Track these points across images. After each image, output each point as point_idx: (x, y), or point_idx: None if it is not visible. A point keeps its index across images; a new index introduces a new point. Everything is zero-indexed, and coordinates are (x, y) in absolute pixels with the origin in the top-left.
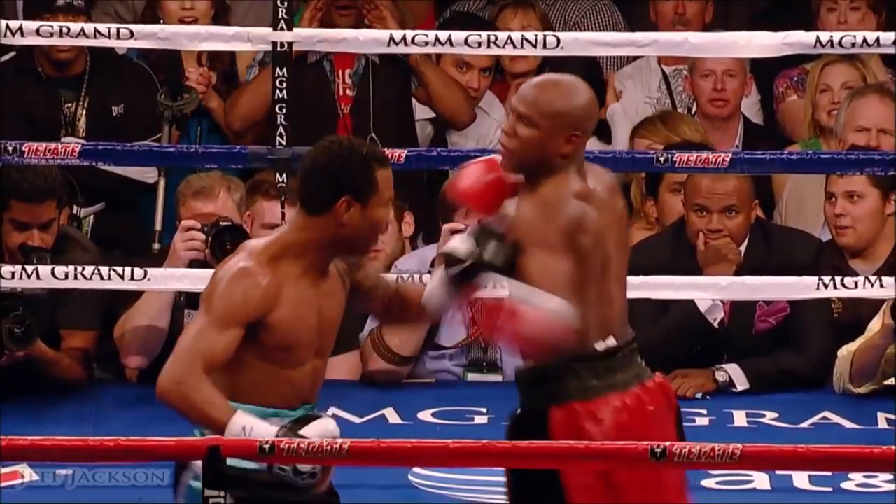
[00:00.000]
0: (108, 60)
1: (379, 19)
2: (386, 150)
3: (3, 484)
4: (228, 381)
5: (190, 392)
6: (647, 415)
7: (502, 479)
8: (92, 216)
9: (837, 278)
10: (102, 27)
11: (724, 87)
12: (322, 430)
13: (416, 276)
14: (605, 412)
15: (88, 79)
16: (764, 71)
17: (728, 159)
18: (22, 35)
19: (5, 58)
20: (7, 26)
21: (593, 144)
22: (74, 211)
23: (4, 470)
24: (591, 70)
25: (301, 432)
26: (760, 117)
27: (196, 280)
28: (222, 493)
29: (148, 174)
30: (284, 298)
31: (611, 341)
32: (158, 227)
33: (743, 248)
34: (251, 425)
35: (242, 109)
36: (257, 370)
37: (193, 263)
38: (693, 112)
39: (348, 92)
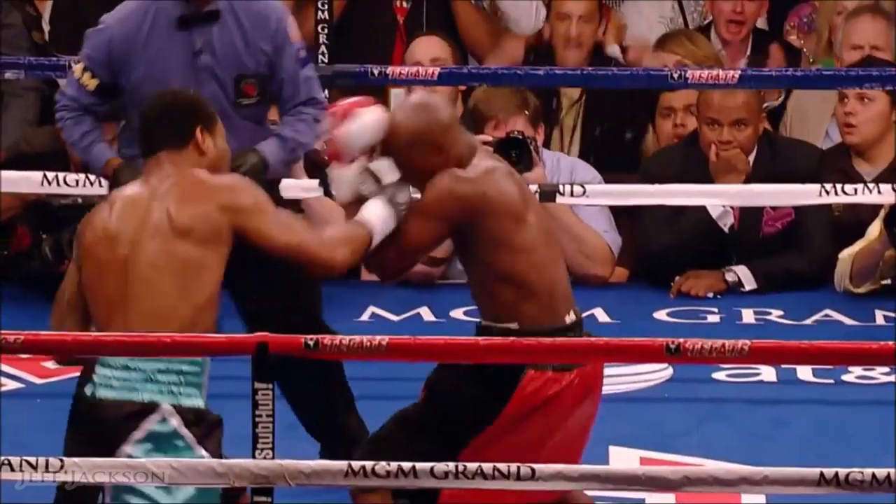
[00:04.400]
0: None
1: None
2: (419, 67)
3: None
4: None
5: (344, 250)
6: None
7: None
8: None
9: (839, 185)
10: None
11: (742, 9)
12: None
13: None
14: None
15: None
16: None
17: (737, 76)
18: None
19: None
20: None
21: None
22: None
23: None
24: None
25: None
26: (765, 23)
27: None
28: (270, 386)
29: None
30: None
31: (572, 315)
32: None
33: (751, 158)
34: (372, 215)
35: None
36: None
37: None
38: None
39: (404, 4)
